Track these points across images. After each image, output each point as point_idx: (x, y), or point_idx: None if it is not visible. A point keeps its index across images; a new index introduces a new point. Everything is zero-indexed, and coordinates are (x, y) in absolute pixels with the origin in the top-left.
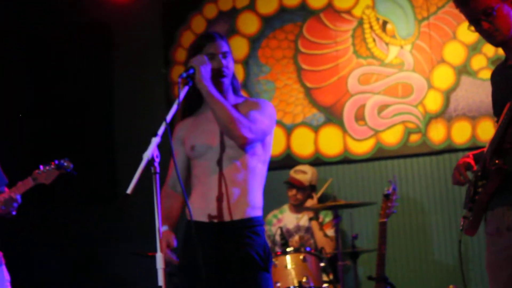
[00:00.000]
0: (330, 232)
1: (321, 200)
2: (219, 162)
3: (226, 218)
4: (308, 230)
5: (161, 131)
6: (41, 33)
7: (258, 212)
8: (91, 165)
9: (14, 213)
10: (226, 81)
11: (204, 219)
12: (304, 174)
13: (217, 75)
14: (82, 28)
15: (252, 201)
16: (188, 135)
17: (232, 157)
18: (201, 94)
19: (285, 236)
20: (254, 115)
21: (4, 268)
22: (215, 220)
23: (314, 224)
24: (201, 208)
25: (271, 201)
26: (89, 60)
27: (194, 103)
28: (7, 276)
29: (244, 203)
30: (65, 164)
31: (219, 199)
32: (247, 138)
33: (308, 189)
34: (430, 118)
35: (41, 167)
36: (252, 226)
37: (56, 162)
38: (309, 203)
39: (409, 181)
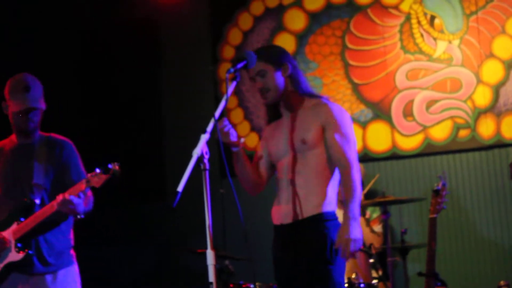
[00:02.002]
0: (377, 228)
1: (368, 196)
2: (287, 164)
3: (294, 218)
4: None
5: (210, 128)
6: (90, 31)
7: (328, 208)
8: (141, 164)
9: (81, 216)
10: (273, 95)
11: (277, 222)
12: None
13: (262, 96)
14: (131, 26)
15: (322, 199)
16: (268, 141)
17: (297, 159)
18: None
19: None
20: (348, 139)
21: (76, 267)
22: (285, 222)
23: (361, 220)
24: (277, 213)
25: None
26: (137, 58)
27: (275, 113)
28: (78, 275)
29: (312, 202)
30: (114, 168)
31: (289, 201)
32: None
33: None
34: (479, 113)
35: (97, 169)
36: (321, 221)
37: (109, 165)
38: None
39: (458, 177)
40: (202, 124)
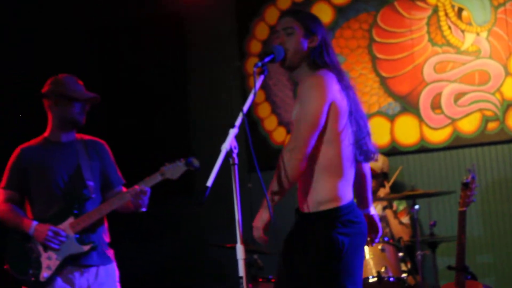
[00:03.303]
0: (405, 219)
1: (395, 188)
2: (286, 165)
3: (303, 208)
4: (383, 219)
5: (238, 122)
6: (116, 26)
7: (334, 204)
8: (169, 159)
9: (144, 209)
10: (288, 58)
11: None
12: (376, 162)
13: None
14: (157, 21)
15: (319, 194)
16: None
17: (295, 157)
18: None
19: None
20: (296, 122)
21: (114, 265)
22: (300, 208)
23: (389, 213)
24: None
25: None
26: (164, 54)
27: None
28: (117, 273)
29: (311, 196)
30: (194, 162)
31: (298, 189)
32: (303, 158)
33: (380, 177)
34: (508, 106)
35: (166, 163)
36: (324, 219)
37: (189, 160)
38: (382, 192)
39: (487, 170)
40: (230, 119)
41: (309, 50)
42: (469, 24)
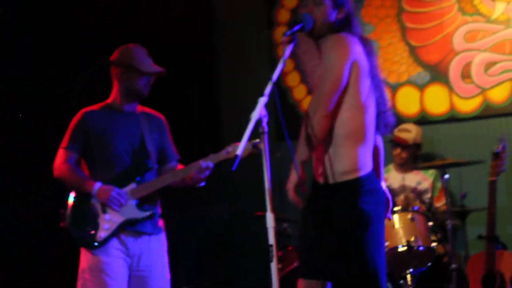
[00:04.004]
0: (440, 203)
1: (427, 159)
2: (306, 120)
3: (320, 180)
4: (414, 190)
5: (267, 91)
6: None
7: (358, 173)
8: (198, 128)
9: (203, 183)
10: (314, 28)
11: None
12: (409, 132)
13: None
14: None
15: (342, 164)
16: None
17: (319, 114)
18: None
19: (392, 196)
20: (325, 75)
21: (164, 235)
22: (317, 180)
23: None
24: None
25: None
26: (192, 24)
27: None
28: (166, 243)
29: (334, 167)
30: (259, 145)
31: (317, 159)
32: (327, 114)
33: (413, 148)
34: None
35: (232, 143)
36: (349, 188)
37: (255, 143)
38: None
39: None
40: (260, 88)
41: (336, 21)
42: None
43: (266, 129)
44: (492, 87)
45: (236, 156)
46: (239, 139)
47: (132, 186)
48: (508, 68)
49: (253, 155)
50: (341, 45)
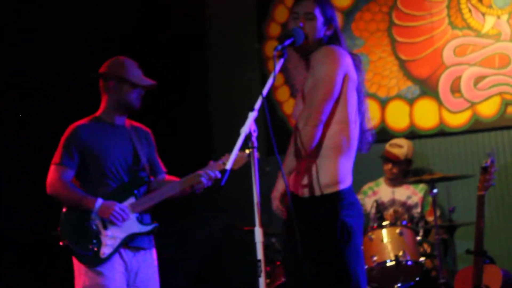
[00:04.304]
0: (431, 218)
1: (415, 173)
2: (295, 132)
3: (300, 193)
4: (404, 204)
5: (257, 105)
6: (132, 14)
7: (339, 186)
8: (188, 143)
9: (199, 191)
10: (305, 42)
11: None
12: (400, 148)
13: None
14: (175, 5)
15: (332, 176)
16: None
17: (311, 124)
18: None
19: (381, 210)
20: (310, 100)
21: (155, 250)
22: (297, 193)
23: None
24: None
25: (367, 174)
26: (182, 36)
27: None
28: (156, 258)
29: (315, 179)
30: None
31: (301, 172)
32: (318, 124)
33: (404, 163)
34: None
35: (227, 154)
36: (330, 201)
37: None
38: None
39: (506, 153)
40: (250, 102)
41: (325, 37)
42: (490, 7)
43: (255, 143)
44: (482, 101)
45: (225, 171)
46: (229, 152)
47: (131, 200)
48: (498, 82)
49: (242, 169)
50: (333, 56)
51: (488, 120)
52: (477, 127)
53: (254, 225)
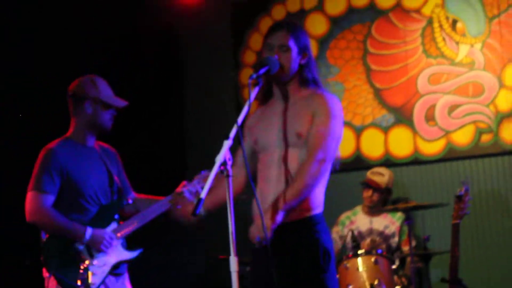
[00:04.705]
0: (407, 249)
1: (391, 201)
2: (278, 159)
3: (286, 219)
4: (381, 234)
5: (232, 134)
6: (110, 38)
7: (318, 210)
8: (162, 170)
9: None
10: (282, 76)
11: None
12: (382, 176)
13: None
14: (151, 31)
15: (311, 200)
16: (254, 126)
17: (292, 154)
18: (271, 87)
19: (357, 239)
20: (323, 135)
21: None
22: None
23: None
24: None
25: (343, 203)
26: (158, 64)
27: (267, 94)
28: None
29: (304, 202)
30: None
31: (278, 197)
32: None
33: (385, 192)
34: (501, 118)
35: (203, 172)
36: (310, 225)
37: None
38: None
39: (481, 182)
40: (225, 130)
41: (300, 66)
42: (464, 35)
43: (230, 172)
44: (456, 129)
45: (199, 200)
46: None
47: (114, 225)
48: (472, 111)
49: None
50: (340, 110)
51: (462, 148)
52: (451, 156)
53: (229, 254)
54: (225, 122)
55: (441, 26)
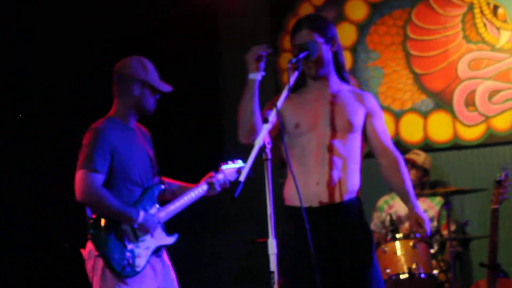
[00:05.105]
0: (446, 232)
1: (431, 186)
2: (323, 144)
3: (332, 200)
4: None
5: (272, 117)
6: (148, 23)
7: (359, 193)
8: (200, 154)
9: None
10: (319, 68)
11: (308, 204)
12: (417, 155)
13: (307, 67)
14: (189, 16)
15: (356, 181)
16: (291, 111)
17: (336, 138)
18: (304, 73)
19: (395, 222)
20: (385, 131)
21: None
22: (314, 205)
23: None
24: (303, 192)
25: (381, 188)
26: (196, 47)
27: (298, 81)
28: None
29: (348, 184)
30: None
31: (322, 182)
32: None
33: (421, 170)
34: None
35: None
36: (358, 205)
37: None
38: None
39: None
40: (264, 115)
41: (332, 54)
42: (505, 21)
43: (269, 155)
44: (496, 115)
45: (238, 183)
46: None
47: (155, 208)
48: None
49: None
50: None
51: (502, 134)
52: (491, 141)
53: (267, 237)
54: (264, 106)
55: (482, 11)
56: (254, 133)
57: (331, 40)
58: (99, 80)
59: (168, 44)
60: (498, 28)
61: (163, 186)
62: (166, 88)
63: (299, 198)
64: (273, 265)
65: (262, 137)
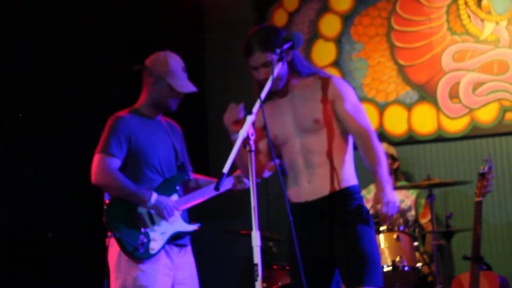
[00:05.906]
0: (425, 220)
1: (411, 178)
2: (301, 147)
3: (324, 193)
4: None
5: (255, 109)
6: (133, 15)
7: (353, 182)
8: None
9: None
10: (281, 84)
11: (297, 200)
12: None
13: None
14: (174, 9)
15: (344, 172)
16: (269, 124)
17: (310, 139)
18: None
19: (378, 215)
20: (355, 111)
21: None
22: (309, 199)
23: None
24: (297, 192)
25: (364, 180)
26: (180, 41)
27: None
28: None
29: (335, 177)
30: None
31: (311, 180)
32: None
33: (389, 157)
34: None
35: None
36: (352, 194)
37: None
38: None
39: (504, 160)
40: (248, 106)
41: (289, 65)
42: (489, 13)
43: (253, 147)
44: (480, 107)
45: (222, 175)
46: (225, 156)
47: (175, 197)
48: (496, 88)
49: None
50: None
51: (486, 126)
52: (475, 133)
53: (251, 229)
54: (249, 98)
55: (466, 3)
56: (259, 174)
57: (285, 52)
58: (94, 79)
59: (152, 36)
60: (482, 20)
61: (186, 177)
62: (187, 89)
63: (285, 197)
64: (257, 258)
65: (246, 129)
